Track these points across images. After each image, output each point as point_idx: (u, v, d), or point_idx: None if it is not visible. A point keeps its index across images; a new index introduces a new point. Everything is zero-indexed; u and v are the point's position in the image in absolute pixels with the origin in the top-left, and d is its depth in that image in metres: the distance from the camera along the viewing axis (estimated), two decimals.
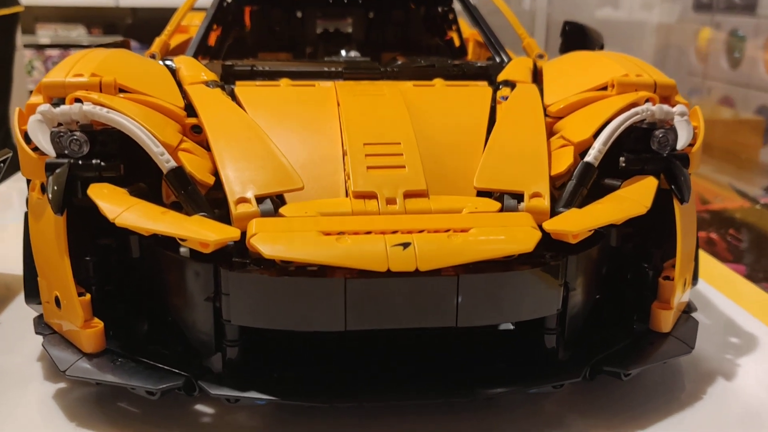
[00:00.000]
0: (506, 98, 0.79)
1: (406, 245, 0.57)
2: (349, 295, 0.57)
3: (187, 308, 0.63)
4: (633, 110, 0.70)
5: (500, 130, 0.72)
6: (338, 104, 0.76)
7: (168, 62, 0.85)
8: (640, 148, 0.70)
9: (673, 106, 0.76)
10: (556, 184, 0.68)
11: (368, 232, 0.59)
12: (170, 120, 0.71)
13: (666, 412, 0.65)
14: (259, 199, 0.62)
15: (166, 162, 0.63)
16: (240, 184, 0.63)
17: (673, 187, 0.70)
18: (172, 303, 0.65)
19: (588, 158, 0.67)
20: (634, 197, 0.66)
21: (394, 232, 0.59)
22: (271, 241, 0.57)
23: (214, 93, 0.76)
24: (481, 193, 0.66)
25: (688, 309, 0.74)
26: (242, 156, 0.66)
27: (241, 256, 0.60)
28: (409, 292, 0.58)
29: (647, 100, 0.73)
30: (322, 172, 0.69)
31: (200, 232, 0.58)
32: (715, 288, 0.91)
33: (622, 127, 0.69)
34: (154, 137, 0.64)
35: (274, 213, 0.61)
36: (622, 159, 0.70)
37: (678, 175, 0.70)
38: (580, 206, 0.65)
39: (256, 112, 0.74)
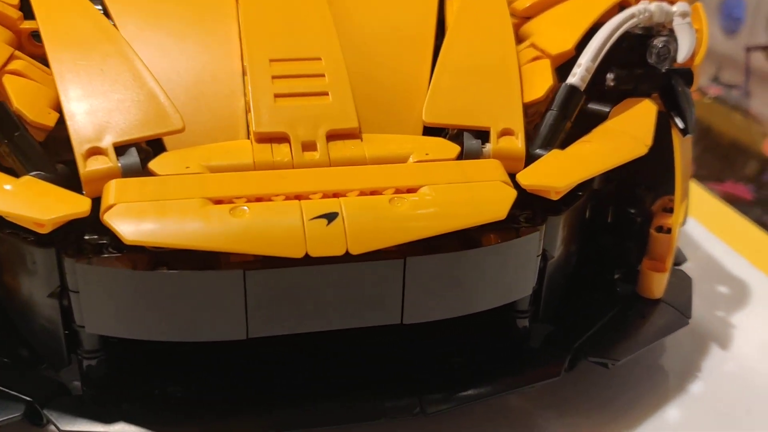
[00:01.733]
0: None
1: (331, 217, 0.40)
2: (250, 292, 0.40)
3: (25, 305, 0.45)
4: (628, 12, 0.53)
5: (454, 39, 0.53)
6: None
7: None
8: (633, 61, 0.54)
9: (670, 2, 0.59)
10: (529, 112, 0.52)
11: (277, 196, 0.42)
12: None
13: (657, 399, 0.53)
14: (120, 149, 0.44)
15: None
16: (91, 126, 0.44)
17: (673, 113, 0.54)
18: (3, 293, 0.47)
19: (573, 80, 0.50)
20: (630, 131, 0.50)
21: (314, 194, 0.42)
22: (134, 216, 0.39)
23: None
24: (431, 130, 0.49)
25: (677, 260, 0.61)
26: (94, 81, 0.46)
27: (96, 234, 0.42)
28: (335, 283, 0.42)
29: None
30: (213, 99, 0.50)
31: (31, 205, 0.40)
32: (694, 218, 0.78)
33: (615, 36, 0.52)
34: None
35: (142, 169, 0.43)
36: (610, 76, 0.54)
37: (680, 99, 0.54)
38: (563, 146, 0.49)
39: (120, 11, 0.53)
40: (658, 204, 0.58)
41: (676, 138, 0.55)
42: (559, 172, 0.46)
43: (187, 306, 0.40)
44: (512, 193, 0.43)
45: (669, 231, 0.55)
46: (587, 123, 0.52)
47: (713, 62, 1.76)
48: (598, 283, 0.57)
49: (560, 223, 0.48)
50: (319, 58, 0.49)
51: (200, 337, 0.41)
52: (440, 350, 0.49)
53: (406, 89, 0.52)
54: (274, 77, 0.48)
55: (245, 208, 0.40)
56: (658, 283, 0.55)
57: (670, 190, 0.56)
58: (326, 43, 0.50)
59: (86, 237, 0.42)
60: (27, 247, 0.42)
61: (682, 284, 0.58)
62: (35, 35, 0.52)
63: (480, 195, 0.43)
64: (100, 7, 0.53)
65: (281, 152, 0.45)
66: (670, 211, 0.56)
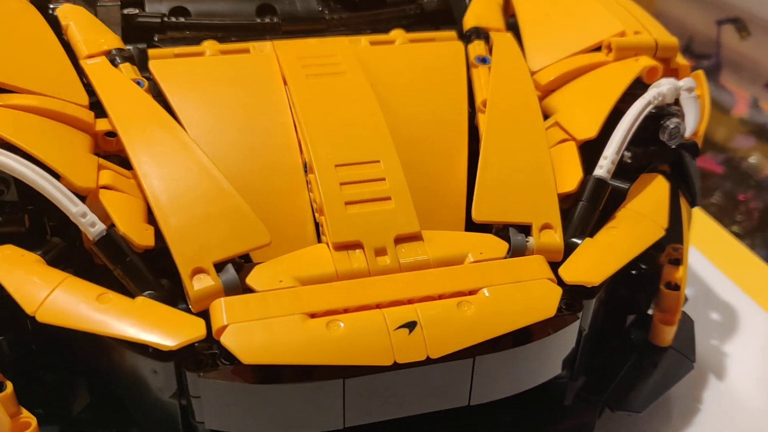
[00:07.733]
0: (484, 60, 0.66)
1: (411, 326, 0.47)
2: (348, 396, 0.48)
3: (143, 402, 0.51)
4: (645, 99, 0.60)
5: (491, 133, 0.59)
6: (285, 82, 0.61)
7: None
8: (646, 138, 0.61)
9: (673, 70, 0.66)
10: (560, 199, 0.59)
11: (361, 306, 0.49)
12: (79, 134, 0.55)
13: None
14: (218, 265, 0.49)
15: (91, 226, 0.48)
16: (192, 246, 0.49)
17: (681, 187, 0.62)
18: (119, 387, 0.53)
19: (600, 171, 0.57)
20: (649, 214, 0.58)
21: (393, 303, 0.49)
22: (247, 336, 0.46)
23: (125, 82, 0.59)
24: (473, 224, 0.55)
25: None
26: (185, 197, 0.51)
27: (207, 343, 0.48)
28: (416, 382, 0.49)
29: (650, 69, 0.64)
30: (277, 196, 0.56)
31: (153, 331, 0.46)
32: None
33: (636, 125, 0.59)
34: (69, 186, 0.49)
35: (240, 284, 0.49)
36: (627, 154, 0.61)
37: (689, 173, 0.62)
38: (592, 233, 0.56)
39: (181, 102, 0.58)
40: (664, 254, 0.66)
41: (685, 210, 0.62)
42: (594, 265, 0.53)
43: (294, 408, 0.47)
44: (558, 291, 0.51)
45: (677, 287, 0.63)
46: (609, 199, 0.59)
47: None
48: (615, 330, 0.65)
49: (593, 304, 0.55)
50: (378, 160, 0.55)
51: (304, 430, 0.48)
52: (492, 410, 0.57)
53: (445, 180, 0.58)
54: (342, 184, 0.53)
55: (341, 323, 0.47)
56: (667, 334, 0.63)
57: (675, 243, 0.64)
58: (382, 143, 0.56)
59: (195, 345, 0.49)
60: (148, 361, 0.48)
61: (685, 327, 0.66)
62: (108, 134, 0.56)
63: (531, 294, 0.50)
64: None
65: (357, 259, 0.51)
66: (676, 262, 0.64)
